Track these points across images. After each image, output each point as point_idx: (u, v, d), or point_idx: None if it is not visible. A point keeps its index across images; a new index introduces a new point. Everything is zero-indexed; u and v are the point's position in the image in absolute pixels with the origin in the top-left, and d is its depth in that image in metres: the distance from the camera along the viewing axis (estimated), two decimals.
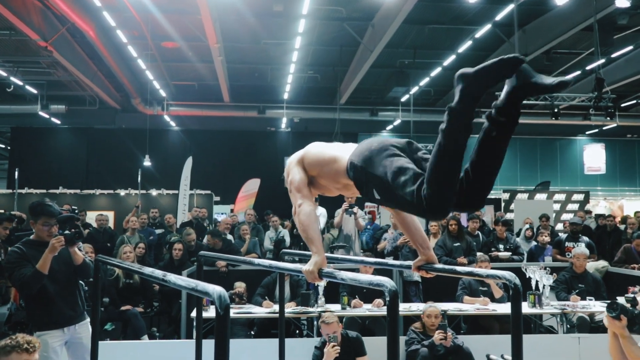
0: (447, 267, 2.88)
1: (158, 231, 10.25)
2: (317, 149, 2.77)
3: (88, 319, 4.46)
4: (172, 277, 2.28)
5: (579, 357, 6.09)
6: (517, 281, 2.46)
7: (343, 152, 2.60)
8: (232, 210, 18.99)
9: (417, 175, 2.13)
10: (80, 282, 4.57)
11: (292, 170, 2.80)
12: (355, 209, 8.08)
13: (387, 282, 2.16)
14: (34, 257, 4.14)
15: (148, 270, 2.64)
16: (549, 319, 6.97)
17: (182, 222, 11.91)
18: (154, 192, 16.47)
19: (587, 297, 6.64)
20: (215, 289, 1.88)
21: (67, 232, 4.13)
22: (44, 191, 15.52)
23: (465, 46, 13.73)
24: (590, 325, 6.53)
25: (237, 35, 13.88)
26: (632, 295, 3.13)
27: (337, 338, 5.15)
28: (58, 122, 19.23)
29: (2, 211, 12.38)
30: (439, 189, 2.02)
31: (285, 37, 13.87)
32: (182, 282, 2.14)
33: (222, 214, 18.21)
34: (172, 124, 20.08)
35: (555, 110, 13.44)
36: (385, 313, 6.24)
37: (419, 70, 16.39)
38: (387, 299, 2.13)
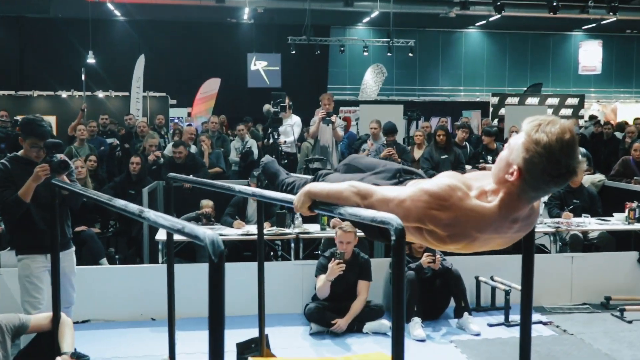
0: None
1: (109, 140, 10.07)
2: None
3: (73, 248, 4.64)
4: (151, 215, 2.19)
5: (571, 276, 6.38)
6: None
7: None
8: (189, 114, 18.76)
9: None
10: None
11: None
12: (334, 118, 8.01)
13: (392, 219, 2.12)
14: (19, 175, 4.18)
15: (120, 203, 2.55)
16: (540, 237, 7.20)
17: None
18: (100, 94, 15.98)
19: (583, 215, 6.83)
20: (207, 234, 1.80)
21: (53, 159, 4.13)
22: None
23: None
24: (584, 244, 6.79)
25: None
26: None
27: (345, 255, 5.28)
28: None
29: None
30: None
31: None
32: (165, 222, 2.05)
33: (177, 118, 17.98)
34: (117, 13, 19.21)
35: (554, 3, 13.25)
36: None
37: None
38: (393, 238, 2.09)
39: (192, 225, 1.96)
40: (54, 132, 12.64)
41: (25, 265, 4.30)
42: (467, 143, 8.64)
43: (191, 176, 7.20)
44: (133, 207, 2.43)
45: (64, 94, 15.71)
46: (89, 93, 15.44)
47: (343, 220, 4.67)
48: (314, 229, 6.26)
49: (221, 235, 6.17)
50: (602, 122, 12.06)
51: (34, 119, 4.39)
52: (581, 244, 6.75)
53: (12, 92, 15.55)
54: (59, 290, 3.60)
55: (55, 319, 3.60)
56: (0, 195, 4.17)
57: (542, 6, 14.79)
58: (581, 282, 6.37)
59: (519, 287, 5.57)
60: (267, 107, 7.87)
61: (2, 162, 4.31)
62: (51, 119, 13.40)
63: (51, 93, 15.75)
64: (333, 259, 5.29)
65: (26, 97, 15.42)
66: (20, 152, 4.37)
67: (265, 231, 6.08)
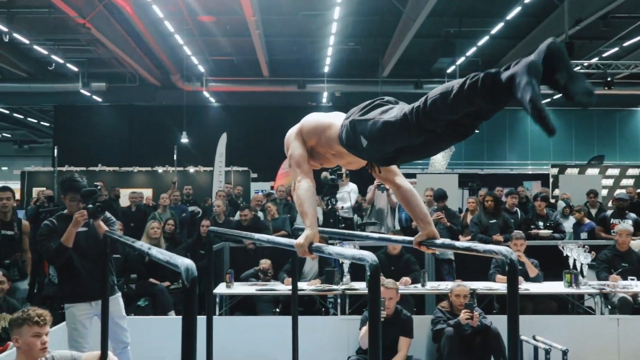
0: (446, 242, 2.84)
1: (191, 208, 10.49)
2: (313, 118, 2.84)
3: (119, 294, 4.71)
4: (154, 251, 2.34)
5: (618, 339, 5.92)
6: (514, 256, 2.42)
7: (338, 119, 2.64)
8: (272, 187, 19.23)
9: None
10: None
11: (292, 144, 2.85)
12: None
13: (368, 256, 2.15)
14: (65, 230, 4.34)
15: (137, 243, 2.71)
16: (588, 299, 6.81)
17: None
18: (191, 169, 16.77)
19: (629, 277, 6.43)
20: (184, 262, 1.92)
21: (90, 205, 4.29)
22: (84, 168, 16.02)
23: (513, 12, 13.31)
24: (633, 307, 6.34)
25: (275, 7, 13.87)
26: None
27: (385, 303, 5.15)
28: (99, 99, 19.75)
29: (44, 189, 12.89)
30: (436, 108, 1.96)
31: (324, 8, 13.75)
32: (160, 256, 2.20)
33: (261, 191, 18.45)
34: (212, 100, 20.33)
35: (609, 79, 12.91)
36: (413, 291, 6.22)
37: (465, 40, 16.02)
38: (368, 273, 2.12)
39: (176, 256, 2.07)
40: (150, 203, 13.29)
41: (71, 314, 4.41)
42: (517, 209, 8.39)
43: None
44: (145, 246, 2.58)
45: (159, 169, 16.57)
46: (180, 168, 16.23)
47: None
48: (359, 285, 6.19)
49: (272, 290, 6.22)
50: None
51: (70, 176, 4.61)
52: (631, 307, 6.32)
53: (117, 168, 16.56)
54: (107, 334, 3.76)
55: (103, 357, 3.75)
56: (46, 245, 4.38)
57: (599, 83, 14.39)
58: (629, 347, 5.90)
59: (560, 347, 5.26)
60: (324, 174, 8.00)
61: (49, 219, 4.52)
62: (148, 192, 14.14)
63: (149, 168, 16.67)
64: None
65: (128, 172, 16.37)
66: (65, 211, 4.56)
67: (313, 287, 6.12)
